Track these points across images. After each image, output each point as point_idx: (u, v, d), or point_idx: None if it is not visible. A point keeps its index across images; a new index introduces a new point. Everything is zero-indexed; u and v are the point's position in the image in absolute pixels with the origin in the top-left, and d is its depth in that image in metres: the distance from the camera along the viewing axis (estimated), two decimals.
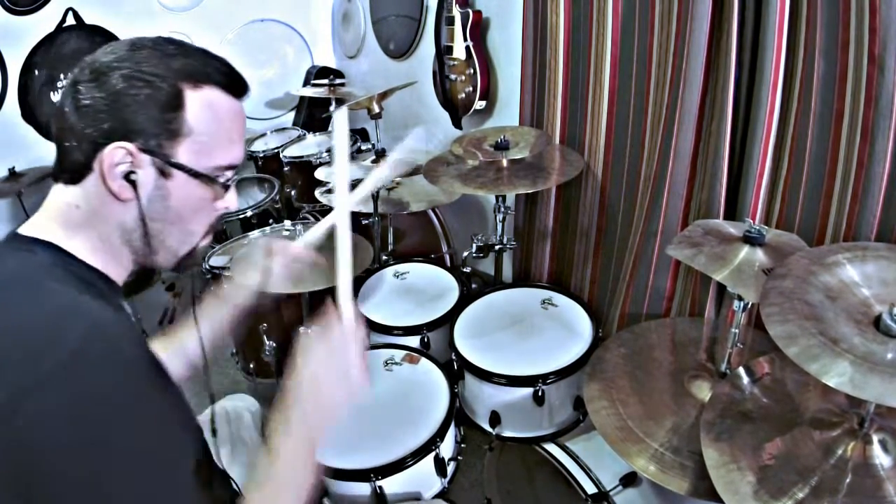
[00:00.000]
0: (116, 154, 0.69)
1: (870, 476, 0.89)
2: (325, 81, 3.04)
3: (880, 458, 0.91)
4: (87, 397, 0.60)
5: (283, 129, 3.23)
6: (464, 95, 2.35)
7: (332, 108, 3.21)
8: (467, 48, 2.25)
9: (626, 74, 1.71)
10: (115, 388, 0.62)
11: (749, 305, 1.18)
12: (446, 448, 1.41)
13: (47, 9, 2.71)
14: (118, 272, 0.78)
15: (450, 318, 1.73)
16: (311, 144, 2.84)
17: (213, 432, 1.14)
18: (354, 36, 3.29)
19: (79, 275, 0.72)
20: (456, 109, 2.42)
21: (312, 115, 3.46)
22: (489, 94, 2.33)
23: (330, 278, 1.05)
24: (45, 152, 2.64)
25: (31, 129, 2.71)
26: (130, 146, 0.69)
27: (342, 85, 3.09)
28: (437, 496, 1.39)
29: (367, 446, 1.34)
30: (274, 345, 1.92)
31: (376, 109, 2.11)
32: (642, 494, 1.21)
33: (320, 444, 0.77)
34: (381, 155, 2.06)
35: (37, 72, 2.71)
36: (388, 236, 2.21)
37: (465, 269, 1.96)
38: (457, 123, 2.47)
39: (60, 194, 0.74)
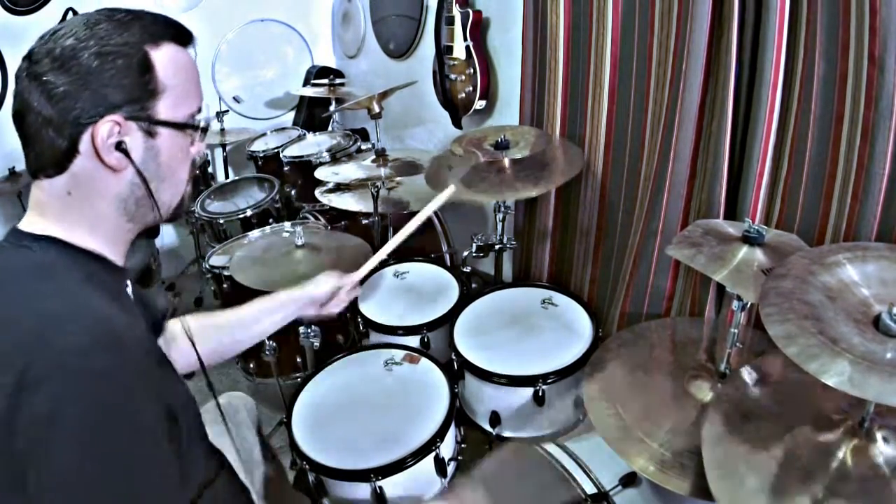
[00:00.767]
0: (106, 128, 0.71)
1: (871, 475, 0.89)
2: (325, 81, 3.04)
3: (882, 456, 0.91)
4: (82, 396, 0.60)
5: (283, 128, 3.22)
6: (464, 95, 2.35)
7: (331, 107, 3.22)
8: (467, 48, 2.25)
9: (626, 74, 1.71)
10: (111, 387, 0.62)
11: (748, 305, 1.18)
12: (446, 448, 1.41)
13: (47, 9, 2.71)
14: (119, 250, 0.79)
15: (450, 318, 1.73)
16: (311, 144, 2.84)
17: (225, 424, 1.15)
18: (354, 36, 3.29)
19: (81, 267, 0.73)
20: (456, 109, 2.42)
21: (312, 115, 3.46)
22: (489, 93, 2.33)
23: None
24: None
25: None
26: (117, 117, 0.71)
27: (342, 85, 3.09)
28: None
29: (367, 446, 1.34)
30: (274, 345, 1.92)
31: (376, 109, 2.11)
32: (642, 494, 1.21)
33: None
34: (380, 155, 2.06)
35: None
36: (388, 236, 2.21)
37: (465, 269, 1.95)
38: (457, 123, 2.47)
39: (47, 188, 0.75)
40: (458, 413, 1.51)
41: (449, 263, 2.31)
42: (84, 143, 0.72)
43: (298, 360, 2.06)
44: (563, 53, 1.86)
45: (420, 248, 2.30)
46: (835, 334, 0.83)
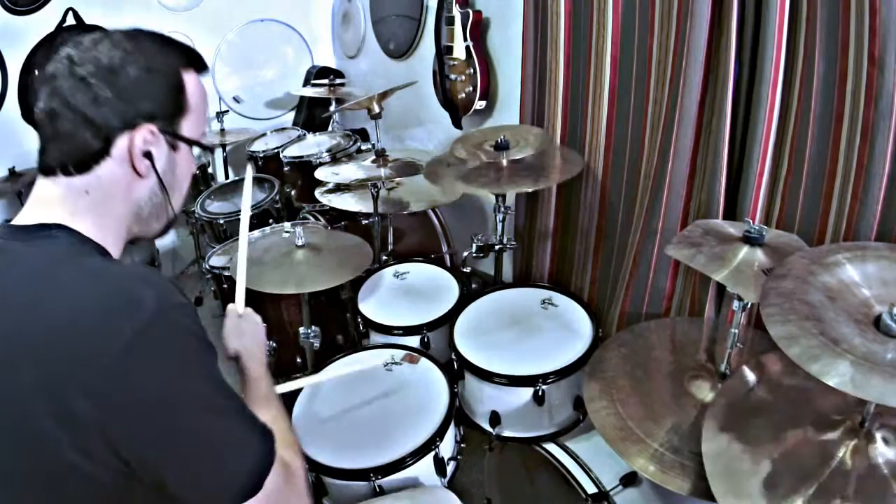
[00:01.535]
0: (145, 135, 0.77)
1: (872, 475, 0.89)
2: (325, 81, 3.04)
3: (883, 457, 0.91)
4: (171, 352, 0.67)
5: (283, 129, 3.22)
6: (464, 95, 2.35)
7: (331, 108, 3.22)
8: (467, 48, 2.25)
9: (626, 74, 1.71)
10: (190, 341, 0.69)
11: (749, 305, 1.18)
12: (446, 448, 1.41)
13: (47, 9, 2.71)
14: (116, 250, 0.82)
15: (450, 318, 1.73)
16: (311, 144, 2.84)
17: None
18: (354, 36, 3.29)
19: (96, 250, 0.77)
20: (456, 109, 2.42)
21: (312, 116, 3.46)
22: (489, 93, 2.33)
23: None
24: None
25: (31, 129, 2.71)
26: (153, 127, 0.78)
27: (342, 85, 3.09)
28: None
29: (367, 446, 1.34)
30: (274, 345, 1.92)
31: (376, 109, 2.11)
32: (642, 494, 1.21)
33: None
34: (381, 155, 2.06)
35: (37, 72, 2.71)
36: (388, 236, 2.21)
37: (465, 269, 1.95)
38: (457, 123, 2.47)
39: (63, 184, 0.77)
40: (457, 413, 1.51)
41: (449, 264, 2.31)
42: (118, 148, 0.76)
43: (298, 360, 2.06)
44: (563, 53, 1.86)
45: (420, 249, 2.31)
46: (836, 335, 0.83)
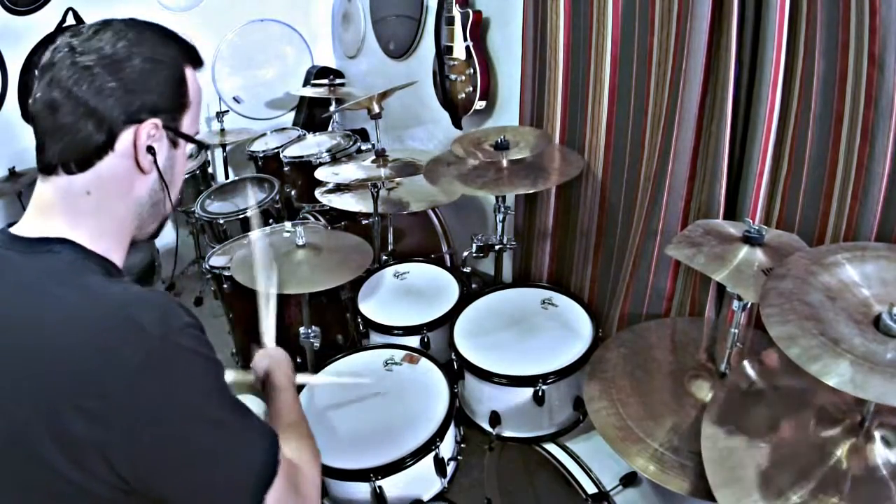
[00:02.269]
0: (149, 129, 0.74)
1: (870, 474, 0.89)
2: (325, 81, 3.04)
3: (881, 457, 0.91)
4: (174, 377, 0.66)
5: (283, 129, 3.22)
6: (464, 95, 2.35)
7: (331, 108, 3.22)
8: (467, 48, 2.25)
9: (626, 74, 1.71)
10: (194, 363, 0.68)
11: (749, 305, 1.18)
12: (446, 448, 1.41)
13: (47, 9, 2.71)
14: (119, 256, 0.80)
15: (450, 318, 1.73)
16: (311, 144, 2.84)
17: None
18: (354, 36, 3.29)
19: (99, 264, 0.74)
20: (456, 109, 2.42)
21: (312, 116, 3.46)
22: (489, 94, 2.33)
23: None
24: None
25: (31, 129, 2.71)
26: (157, 121, 0.75)
27: (342, 85, 3.09)
28: (437, 496, 1.39)
29: (367, 446, 1.34)
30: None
31: (376, 109, 2.11)
32: (642, 494, 1.21)
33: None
34: (380, 155, 2.06)
35: (37, 72, 2.71)
36: (388, 236, 2.21)
37: (465, 269, 1.95)
38: (457, 123, 2.47)
39: (63, 186, 0.73)
40: (457, 413, 1.51)
41: (449, 264, 2.31)
42: (122, 142, 0.73)
43: (298, 360, 2.06)
44: (563, 53, 1.86)
45: (420, 249, 2.31)
46: (836, 335, 0.83)
